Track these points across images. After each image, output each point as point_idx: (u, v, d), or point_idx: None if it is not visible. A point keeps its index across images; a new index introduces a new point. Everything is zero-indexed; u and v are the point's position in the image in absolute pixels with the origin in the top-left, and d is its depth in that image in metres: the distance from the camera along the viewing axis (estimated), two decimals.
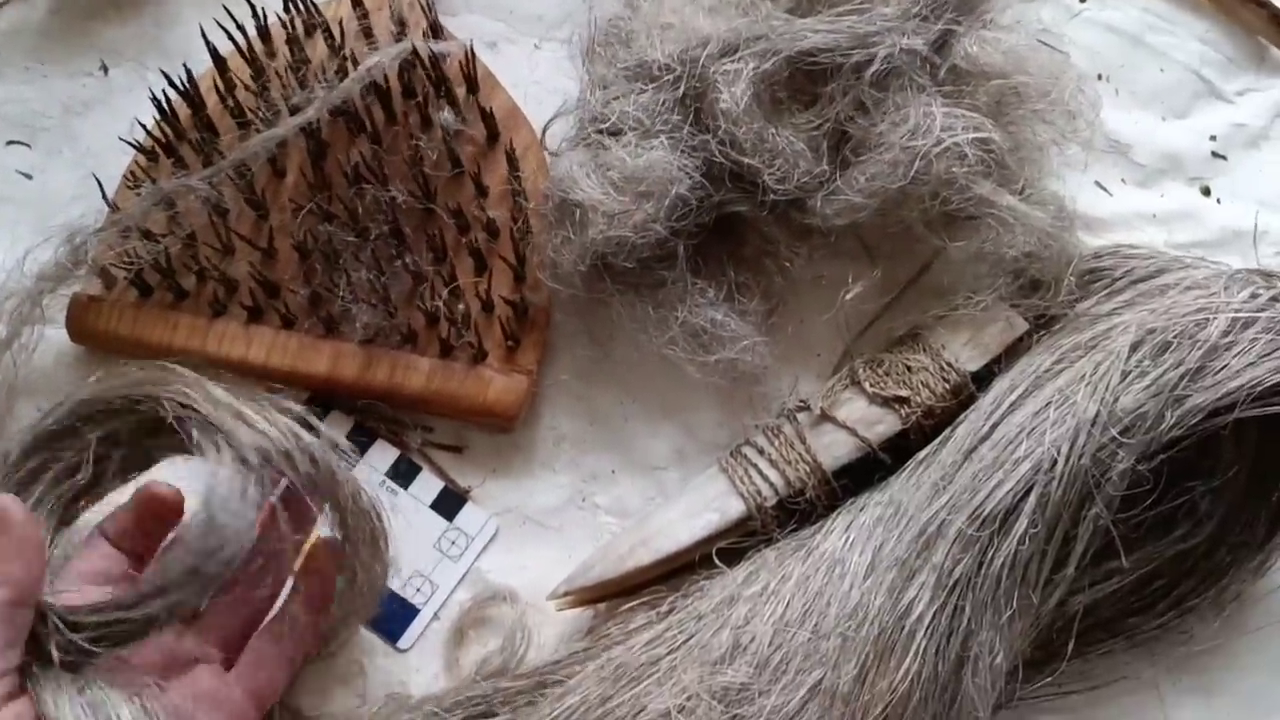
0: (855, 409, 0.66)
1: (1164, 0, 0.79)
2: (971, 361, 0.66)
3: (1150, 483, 0.61)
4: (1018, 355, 0.66)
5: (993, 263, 0.65)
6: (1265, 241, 0.74)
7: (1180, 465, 0.63)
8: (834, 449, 0.65)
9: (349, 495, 0.60)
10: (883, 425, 0.65)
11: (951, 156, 0.62)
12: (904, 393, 0.65)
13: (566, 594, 0.65)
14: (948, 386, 0.65)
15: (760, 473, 0.65)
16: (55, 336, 0.70)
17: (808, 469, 0.65)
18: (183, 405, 0.59)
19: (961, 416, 0.64)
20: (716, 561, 0.64)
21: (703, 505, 0.65)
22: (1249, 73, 0.78)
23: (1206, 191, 0.76)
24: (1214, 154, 0.76)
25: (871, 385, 0.65)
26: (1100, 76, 0.77)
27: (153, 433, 0.61)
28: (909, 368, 0.66)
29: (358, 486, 0.61)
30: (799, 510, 0.65)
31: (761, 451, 0.66)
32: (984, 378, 0.66)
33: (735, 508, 0.65)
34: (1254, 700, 0.67)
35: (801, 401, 0.67)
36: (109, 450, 0.61)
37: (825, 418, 0.66)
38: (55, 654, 0.53)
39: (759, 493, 0.64)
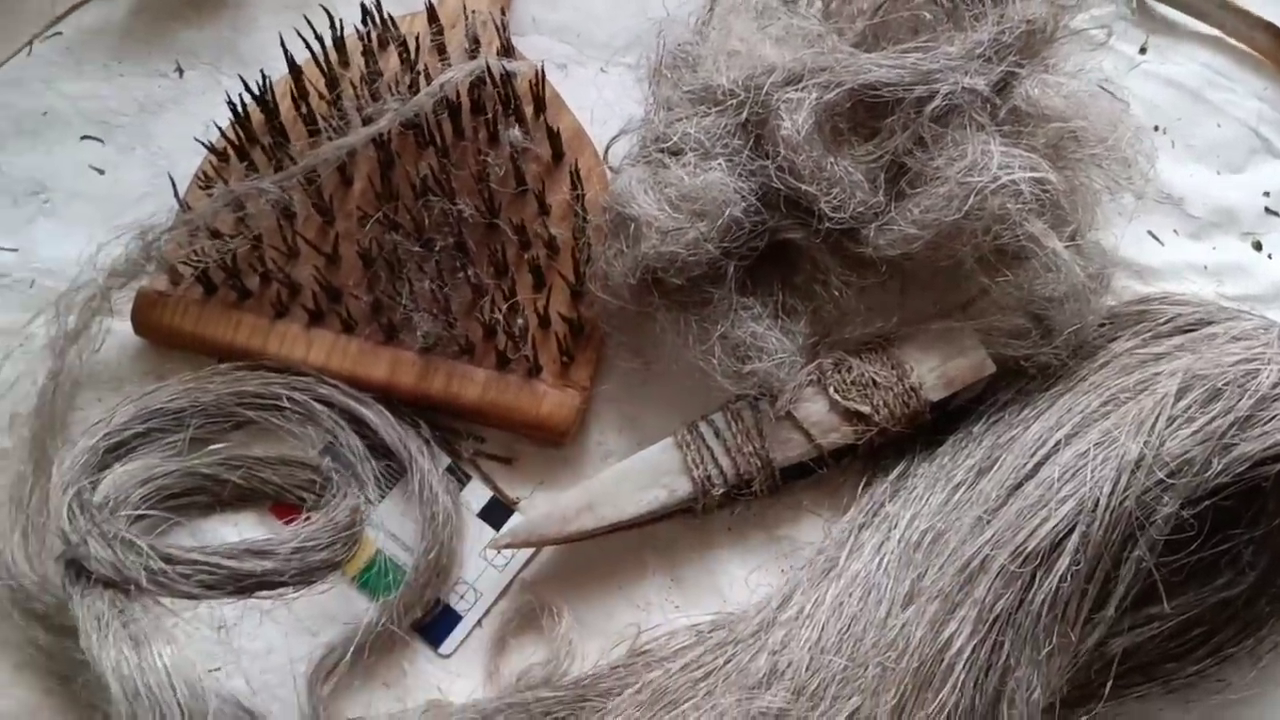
0: (815, 411, 0.67)
1: (1224, 56, 0.80)
2: (934, 391, 0.67)
3: (1194, 529, 0.61)
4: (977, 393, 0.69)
5: (1024, 301, 0.65)
6: None
7: (1225, 513, 0.64)
8: (787, 448, 0.67)
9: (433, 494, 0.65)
10: (837, 435, 0.67)
11: (1006, 194, 0.63)
12: (865, 409, 0.67)
13: (508, 544, 0.67)
14: (907, 411, 0.67)
15: (714, 458, 0.67)
16: (120, 330, 0.71)
17: (759, 464, 0.67)
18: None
19: (1000, 452, 0.65)
20: None
21: (652, 480, 0.67)
22: None
23: (1258, 246, 0.76)
24: (1268, 210, 0.77)
25: (836, 391, 0.67)
26: (1157, 128, 0.78)
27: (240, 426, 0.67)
28: (875, 382, 0.67)
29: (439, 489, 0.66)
30: (741, 497, 0.67)
31: (719, 434, 0.67)
32: (940, 406, 0.68)
33: (683, 488, 0.67)
34: None
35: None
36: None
37: (786, 415, 0.67)
38: (144, 577, 0.55)
39: (709, 478, 0.66)
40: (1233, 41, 0.80)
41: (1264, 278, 0.75)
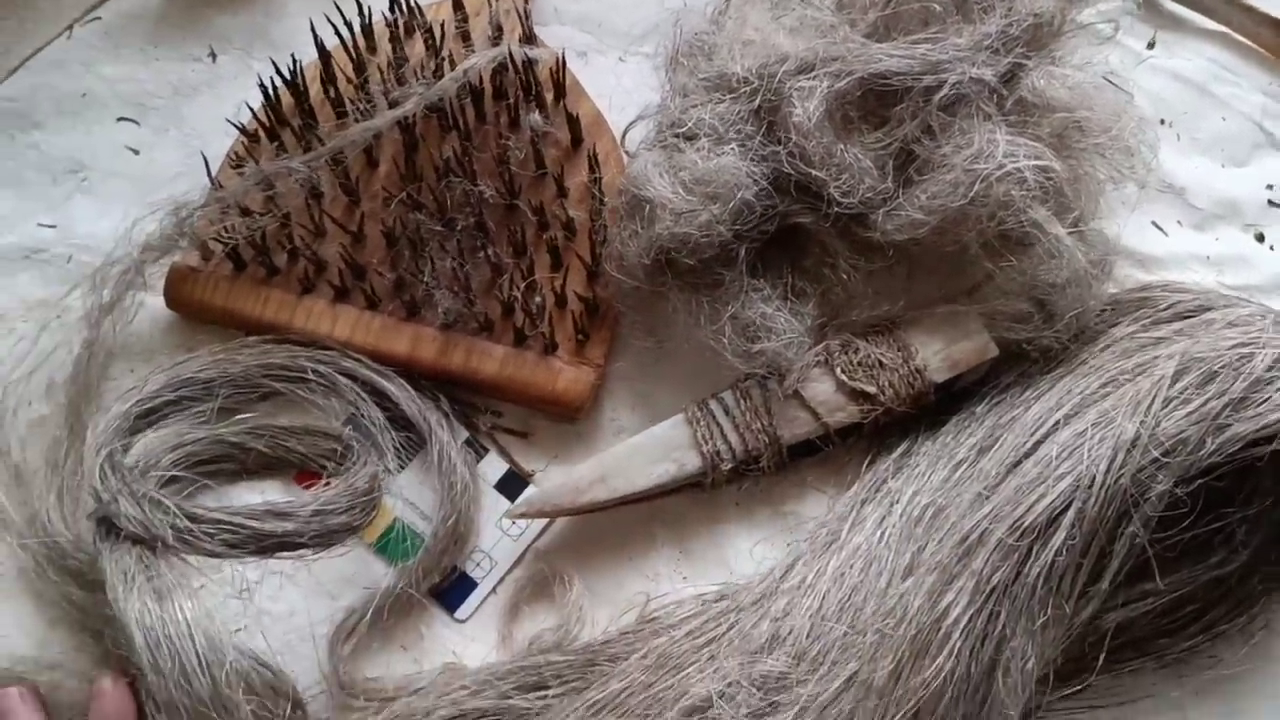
0: (822, 390, 0.69)
1: (1230, 52, 0.81)
2: (939, 373, 0.69)
3: (1188, 507, 0.63)
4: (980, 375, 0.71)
5: (1028, 286, 0.67)
6: None
7: (1218, 493, 0.65)
8: (795, 425, 0.69)
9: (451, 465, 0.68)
10: (843, 414, 0.69)
11: (1011, 181, 0.65)
12: (871, 389, 0.69)
13: (522, 514, 0.69)
14: (911, 392, 0.69)
15: (723, 434, 0.69)
16: (152, 303, 0.74)
17: (767, 440, 0.69)
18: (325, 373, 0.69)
19: (1002, 431, 0.66)
20: None
21: (663, 454, 0.69)
22: None
23: (1260, 238, 0.78)
24: (1270, 203, 0.79)
25: (843, 371, 0.69)
26: (1163, 121, 0.80)
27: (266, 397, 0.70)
28: (881, 363, 0.69)
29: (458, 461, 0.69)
30: (748, 472, 0.70)
31: (728, 411, 0.69)
32: (944, 388, 0.70)
33: (693, 463, 0.69)
34: None
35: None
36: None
37: (794, 394, 0.69)
38: (170, 535, 0.58)
39: (718, 453, 0.68)
40: (1239, 37, 0.81)
41: (1265, 269, 0.77)
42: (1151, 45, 0.81)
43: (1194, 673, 0.68)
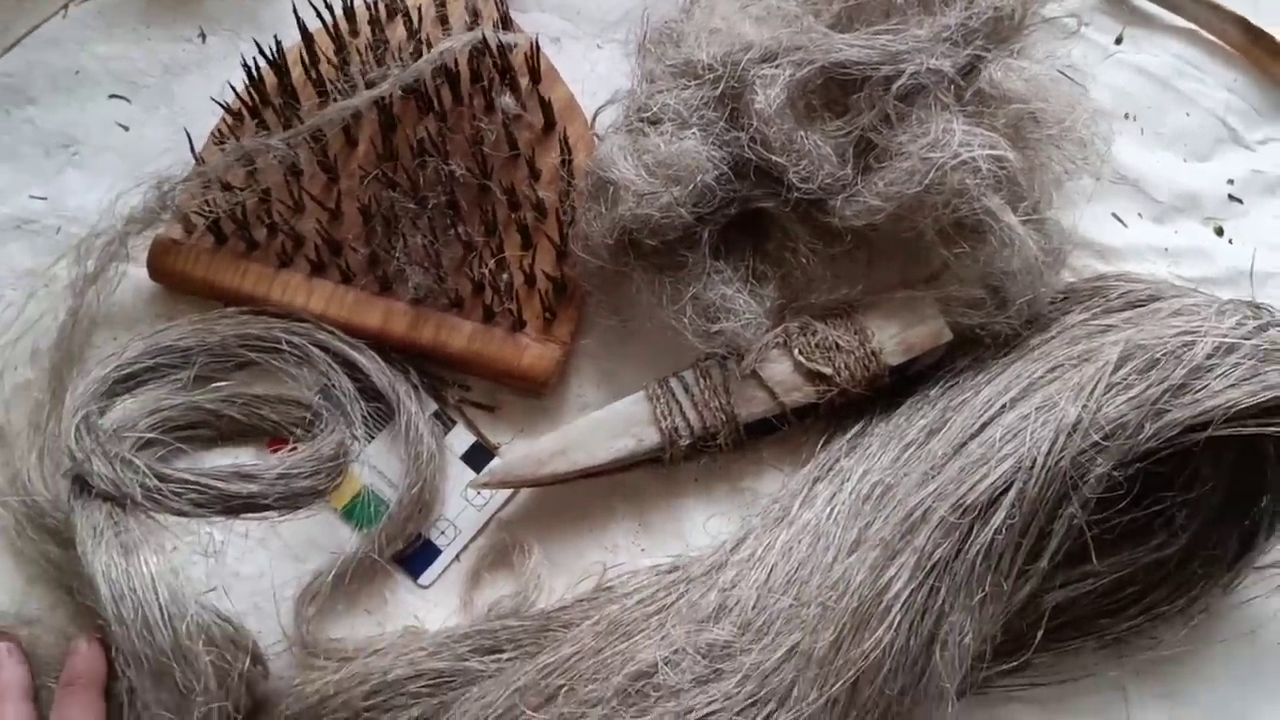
0: (779, 371, 0.71)
1: (1196, 48, 0.83)
2: (894, 356, 0.71)
3: (1126, 490, 0.64)
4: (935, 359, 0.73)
5: (982, 272, 0.69)
6: (1274, 284, 0.78)
7: (1159, 478, 0.67)
8: (752, 404, 0.71)
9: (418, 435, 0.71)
10: (799, 394, 0.71)
11: (966, 170, 0.66)
12: (827, 370, 0.71)
13: (485, 484, 0.72)
14: (867, 374, 0.71)
15: (681, 411, 0.71)
16: (135, 274, 0.77)
17: (724, 418, 0.71)
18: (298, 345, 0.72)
19: (952, 414, 0.68)
20: None
21: (623, 429, 0.71)
22: (1272, 123, 0.81)
23: (1220, 232, 0.79)
24: (1230, 197, 0.80)
25: (800, 353, 0.71)
26: (1127, 115, 0.81)
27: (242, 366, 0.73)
28: (838, 345, 0.71)
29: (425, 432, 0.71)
30: (706, 449, 0.72)
31: (687, 389, 0.72)
32: (899, 371, 0.72)
33: (652, 438, 0.71)
34: (1217, 710, 0.70)
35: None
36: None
37: (752, 373, 0.71)
38: (139, 492, 0.60)
39: (676, 429, 0.71)
40: (1206, 34, 0.83)
41: (1222, 262, 0.78)
42: (1119, 40, 0.83)
43: (1134, 653, 0.69)
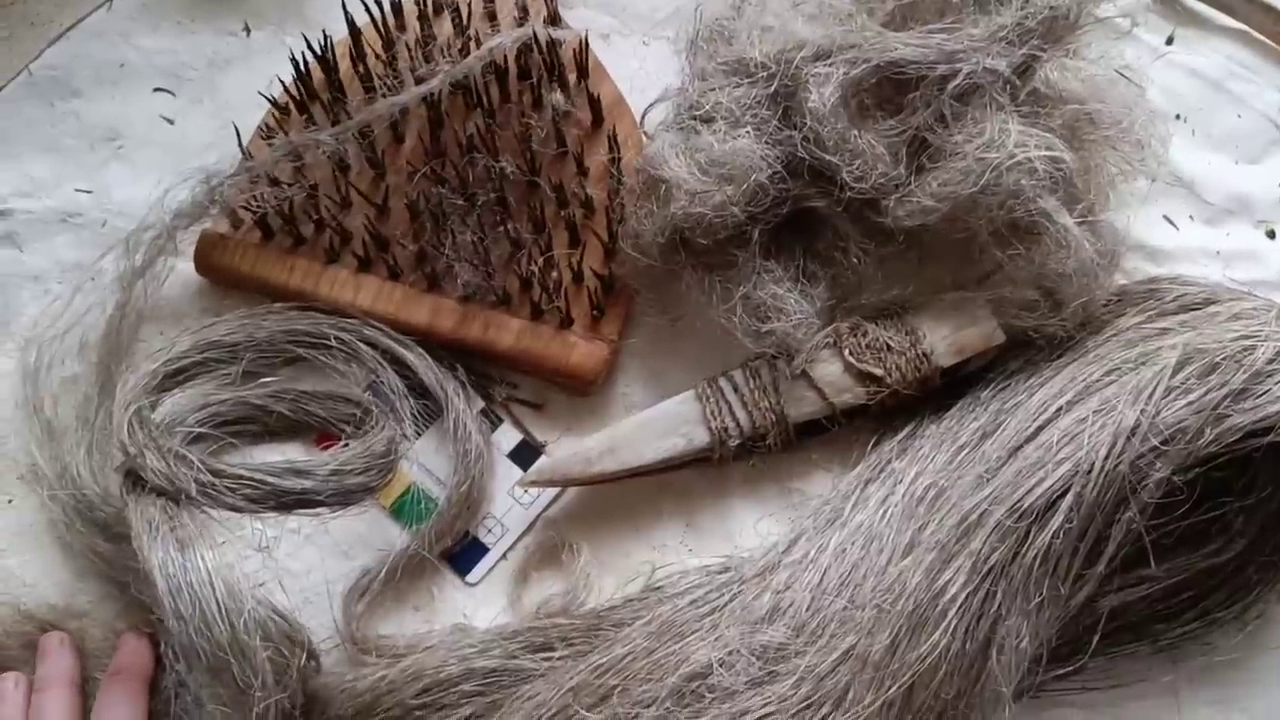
0: (830, 372, 0.71)
1: (1248, 50, 0.82)
2: (945, 358, 0.70)
3: (1185, 495, 0.64)
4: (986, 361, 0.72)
5: (1035, 274, 0.68)
6: None
7: (1217, 483, 0.67)
8: (802, 405, 0.71)
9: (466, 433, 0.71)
10: (849, 395, 0.71)
11: (1022, 170, 0.66)
12: (878, 371, 0.70)
13: (534, 483, 0.72)
14: (918, 376, 0.70)
15: (731, 411, 0.70)
16: (182, 268, 0.76)
17: (774, 418, 0.70)
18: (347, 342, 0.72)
19: (1005, 416, 0.68)
20: None
21: (672, 428, 0.70)
22: None
23: (1271, 234, 0.79)
24: None
25: (851, 353, 0.70)
26: (1178, 116, 0.80)
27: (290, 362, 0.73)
28: (889, 346, 0.70)
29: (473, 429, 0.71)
30: (755, 450, 0.71)
31: (737, 389, 0.71)
32: (950, 373, 0.71)
33: (701, 438, 0.70)
34: (1269, 717, 0.69)
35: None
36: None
37: (802, 374, 0.71)
38: (194, 487, 0.60)
39: (725, 429, 0.70)
40: (1258, 36, 0.82)
41: (1274, 265, 0.78)
42: (1170, 41, 0.82)
43: (1188, 658, 0.69)
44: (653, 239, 0.70)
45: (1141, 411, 0.63)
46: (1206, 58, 0.82)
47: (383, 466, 0.65)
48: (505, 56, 0.75)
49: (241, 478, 0.61)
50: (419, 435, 0.73)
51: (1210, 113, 0.81)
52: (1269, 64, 0.82)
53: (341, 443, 0.67)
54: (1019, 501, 0.63)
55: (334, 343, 0.72)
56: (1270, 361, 0.64)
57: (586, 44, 0.76)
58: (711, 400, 0.71)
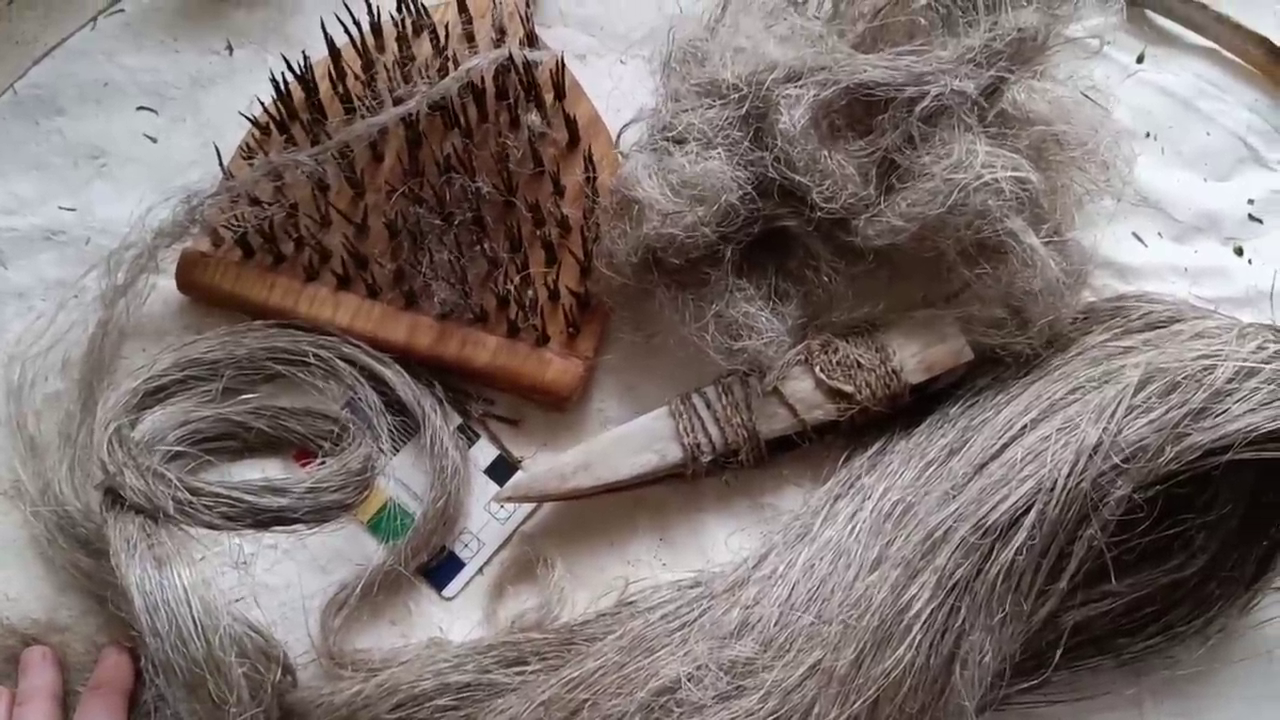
0: (801, 388, 0.72)
1: (1218, 68, 0.83)
2: (915, 375, 0.72)
3: (1146, 512, 0.65)
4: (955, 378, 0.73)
5: (1003, 293, 0.69)
6: None
7: (1179, 500, 0.68)
8: (774, 421, 0.72)
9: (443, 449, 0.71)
10: (820, 411, 0.72)
11: (989, 191, 0.67)
12: (848, 388, 0.71)
13: (509, 498, 0.73)
14: (888, 392, 0.71)
15: (704, 427, 0.72)
16: (164, 286, 0.77)
17: (746, 435, 0.72)
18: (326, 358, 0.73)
19: (972, 433, 0.69)
20: None
21: (646, 444, 0.72)
22: None
23: (1239, 251, 0.80)
24: (1251, 217, 0.80)
25: (822, 370, 0.72)
26: (1148, 134, 0.81)
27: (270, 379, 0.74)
28: (859, 363, 0.72)
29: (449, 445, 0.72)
30: (728, 465, 0.73)
31: (710, 406, 0.72)
32: (920, 389, 0.72)
33: (674, 454, 0.72)
34: None
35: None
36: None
37: (773, 390, 0.72)
38: (171, 506, 0.61)
39: (698, 446, 0.71)
40: (1227, 54, 0.83)
41: (1241, 281, 0.79)
42: (1141, 59, 0.83)
43: (1151, 672, 0.70)
44: (626, 258, 0.71)
45: (1104, 430, 0.64)
46: (1177, 76, 0.83)
47: (359, 484, 0.66)
48: (482, 77, 0.76)
49: (219, 495, 0.62)
50: (396, 451, 0.74)
51: (1180, 130, 0.82)
52: (1238, 82, 0.83)
53: (319, 459, 0.68)
54: (983, 518, 0.64)
55: (313, 360, 0.73)
56: (1230, 381, 0.65)
57: (563, 64, 0.77)
58: (685, 417, 0.72)
